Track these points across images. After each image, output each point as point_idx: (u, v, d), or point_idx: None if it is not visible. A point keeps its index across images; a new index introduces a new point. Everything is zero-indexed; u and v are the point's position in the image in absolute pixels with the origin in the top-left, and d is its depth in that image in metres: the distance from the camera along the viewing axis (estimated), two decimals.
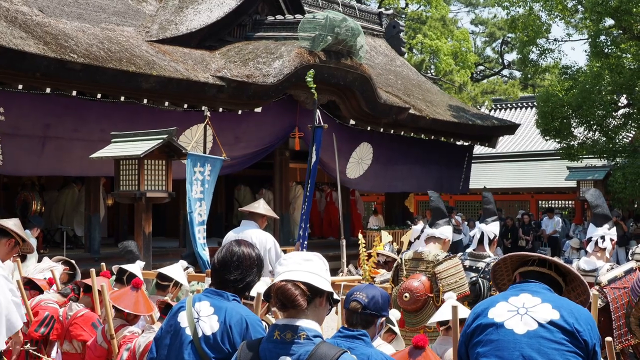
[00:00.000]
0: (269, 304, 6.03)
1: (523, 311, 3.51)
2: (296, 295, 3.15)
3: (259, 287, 5.12)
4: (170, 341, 3.87)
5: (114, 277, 7.38)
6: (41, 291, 6.84)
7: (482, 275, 6.96)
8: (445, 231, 6.82)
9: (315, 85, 9.99)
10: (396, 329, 4.99)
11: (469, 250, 7.63)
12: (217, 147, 14.96)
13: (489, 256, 7.05)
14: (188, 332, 3.81)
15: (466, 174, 23.51)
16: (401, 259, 6.76)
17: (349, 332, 3.66)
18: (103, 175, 14.58)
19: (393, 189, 21.46)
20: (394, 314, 5.31)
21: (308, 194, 10.16)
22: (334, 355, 3.07)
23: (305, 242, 10.04)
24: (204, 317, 3.80)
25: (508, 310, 3.55)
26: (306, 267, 3.27)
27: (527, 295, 3.58)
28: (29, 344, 6.11)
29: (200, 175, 10.39)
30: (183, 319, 3.86)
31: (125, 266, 7.06)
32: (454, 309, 4.08)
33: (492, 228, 7.43)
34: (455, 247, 17.95)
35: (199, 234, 10.35)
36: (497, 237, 7.46)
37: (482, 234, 7.39)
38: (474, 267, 7.07)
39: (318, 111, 10.58)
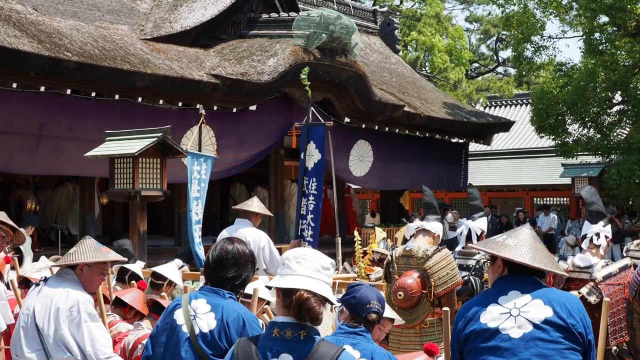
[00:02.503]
0: (267, 303, 6.06)
1: (515, 312, 3.47)
2: (320, 313, 3.18)
3: (256, 285, 5.13)
4: (167, 339, 3.90)
5: (114, 275, 7.38)
6: None
7: (473, 273, 6.97)
8: (435, 226, 6.82)
9: (309, 83, 9.98)
10: (393, 314, 4.99)
11: (458, 248, 7.63)
12: (219, 148, 15.03)
13: (479, 253, 7.05)
14: (184, 329, 3.84)
15: (465, 171, 23.55)
16: (391, 255, 6.75)
17: (350, 328, 3.70)
18: (98, 176, 14.55)
19: (395, 186, 21.50)
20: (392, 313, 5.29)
21: (316, 192, 10.07)
22: (334, 354, 3.11)
23: (307, 240, 9.94)
24: (200, 315, 3.82)
25: (500, 313, 3.50)
26: (324, 277, 3.29)
27: (516, 294, 3.54)
28: None
29: (197, 174, 10.40)
30: (179, 316, 3.89)
31: (127, 265, 7.07)
32: (445, 313, 4.07)
33: (478, 224, 7.43)
34: (451, 244, 17.95)
35: (196, 232, 10.34)
36: (484, 233, 7.47)
37: (470, 231, 7.40)
38: (464, 266, 7.07)
39: (312, 109, 10.56)
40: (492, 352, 3.45)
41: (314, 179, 10.10)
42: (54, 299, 4.71)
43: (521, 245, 3.63)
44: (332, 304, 3.29)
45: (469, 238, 7.42)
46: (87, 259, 4.86)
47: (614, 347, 5.93)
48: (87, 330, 4.63)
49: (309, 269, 3.26)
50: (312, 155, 10.10)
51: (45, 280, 4.98)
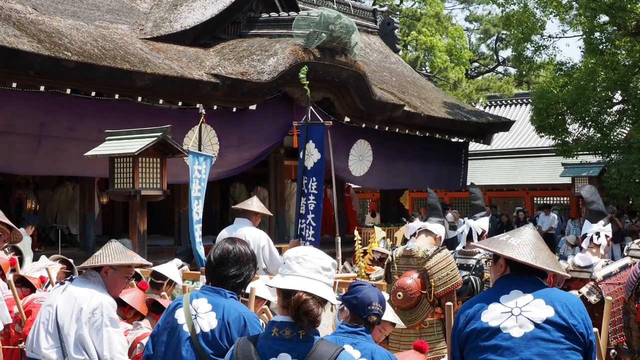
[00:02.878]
0: (267, 303, 6.05)
1: (517, 312, 3.45)
2: (318, 315, 3.16)
3: (254, 285, 5.12)
4: (168, 338, 3.91)
5: None
6: (33, 289, 6.82)
7: (473, 273, 6.97)
8: (438, 228, 6.82)
9: (308, 82, 9.97)
10: (396, 319, 4.98)
11: (458, 247, 7.63)
12: (222, 148, 15.05)
13: (479, 252, 7.05)
14: (185, 328, 3.85)
15: (465, 171, 23.55)
16: (392, 256, 6.75)
17: (350, 328, 3.69)
18: (99, 176, 14.54)
19: (395, 185, 21.47)
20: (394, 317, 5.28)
21: (316, 191, 10.06)
22: (333, 353, 3.10)
23: (309, 240, 9.91)
24: (202, 314, 3.84)
25: (501, 312, 3.48)
26: (324, 278, 3.27)
27: (518, 293, 3.52)
28: (23, 343, 6.08)
29: (198, 174, 10.38)
30: (180, 315, 3.90)
31: None
32: (449, 307, 4.06)
33: (480, 223, 7.43)
34: (451, 244, 17.95)
35: (196, 232, 10.33)
36: (486, 233, 7.46)
37: (470, 230, 7.40)
38: (465, 265, 7.08)
39: (312, 108, 10.55)
40: (493, 351, 3.43)
41: (314, 179, 10.08)
42: (79, 299, 4.74)
43: (524, 244, 3.61)
44: (332, 304, 3.28)
45: (469, 237, 7.42)
46: (112, 262, 4.87)
47: (612, 350, 5.92)
48: (107, 335, 4.66)
49: (309, 270, 3.25)
50: (312, 155, 10.08)
51: (71, 279, 5.00)
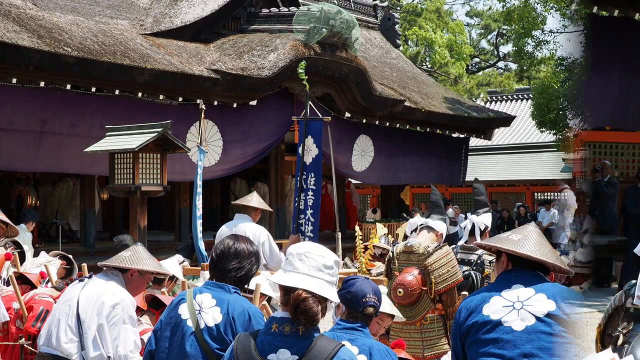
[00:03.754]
0: (268, 299, 6.05)
1: (519, 305, 3.45)
2: (317, 314, 3.14)
3: (258, 280, 5.12)
4: (171, 333, 3.93)
5: None
6: (32, 286, 6.80)
7: (474, 268, 6.95)
8: (440, 225, 6.81)
9: (307, 77, 9.94)
10: (394, 310, 4.96)
11: (460, 242, 7.61)
12: (226, 144, 15.04)
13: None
14: (189, 323, 3.86)
15: (465, 166, 23.53)
16: (392, 252, 6.73)
17: (348, 324, 3.66)
18: (101, 174, 14.52)
19: (397, 181, 21.45)
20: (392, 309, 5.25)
21: (315, 187, 10.03)
22: (332, 350, 3.09)
23: (308, 236, 9.89)
24: (206, 309, 3.85)
25: (503, 305, 3.48)
26: (326, 276, 3.25)
27: (519, 287, 3.52)
28: (23, 339, 6.08)
29: (200, 169, 10.40)
30: (184, 311, 3.91)
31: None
32: (464, 296, 4.05)
33: (483, 219, 7.41)
34: (451, 240, 17.92)
35: (199, 227, 10.34)
36: (488, 229, 7.44)
37: (473, 225, 7.38)
38: (466, 260, 7.06)
39: (311, 103, 10.52)
40: (494, 344, 3.44)
41: (313, 174, 10.04)
42: (101, 294, 4.75)
43: (525, 239, 3.62)
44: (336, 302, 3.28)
45: (472, 233, 7.39)
46: (144, 267, 4.89)
47: None
48: (124, 332, 4.68)
49: (311, 268, 3.22)
50: (311, 150, 10.05)
51: (90, 276, 5.02)
